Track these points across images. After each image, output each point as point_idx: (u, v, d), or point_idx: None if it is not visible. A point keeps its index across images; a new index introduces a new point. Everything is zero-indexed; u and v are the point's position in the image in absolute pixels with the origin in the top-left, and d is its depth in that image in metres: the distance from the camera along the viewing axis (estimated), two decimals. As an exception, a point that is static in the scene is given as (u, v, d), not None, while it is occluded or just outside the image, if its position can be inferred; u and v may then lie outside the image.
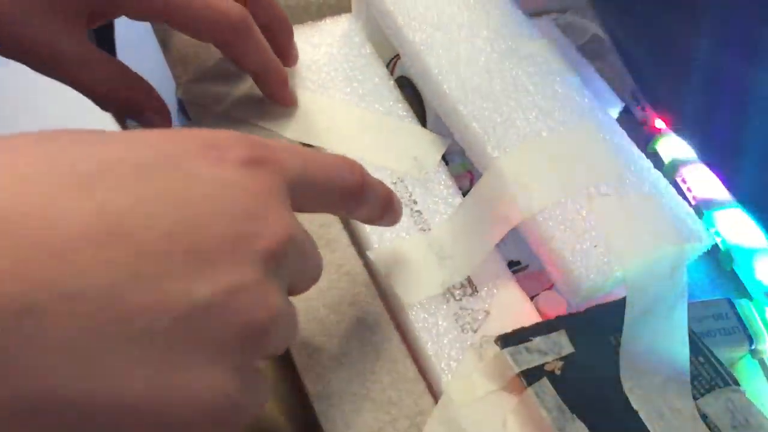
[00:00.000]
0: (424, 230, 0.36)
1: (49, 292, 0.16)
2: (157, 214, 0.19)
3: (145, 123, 0.36)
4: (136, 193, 0.19)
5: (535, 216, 0.33)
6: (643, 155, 0.36)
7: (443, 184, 0.37)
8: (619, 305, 0.32)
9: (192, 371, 0.19)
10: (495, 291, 0.34)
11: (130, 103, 0.35)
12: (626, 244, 0.32)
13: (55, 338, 0.16)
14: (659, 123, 0.51)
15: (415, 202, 0.37)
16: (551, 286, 0.39)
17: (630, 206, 0.33)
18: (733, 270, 0.46)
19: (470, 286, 0.34)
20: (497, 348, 0.32)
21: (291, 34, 0.40)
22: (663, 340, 0.32)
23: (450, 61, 0.37)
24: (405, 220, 0.36)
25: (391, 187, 0.37)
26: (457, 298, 0.34)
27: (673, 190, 0.34)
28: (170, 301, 0.18)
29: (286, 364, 0.33)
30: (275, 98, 0.39)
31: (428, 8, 0.39)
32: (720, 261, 0.47)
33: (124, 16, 0.34)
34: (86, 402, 0.17)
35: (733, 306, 0.42)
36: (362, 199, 0.27)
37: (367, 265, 0.35)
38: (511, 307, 0.34)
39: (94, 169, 0.18)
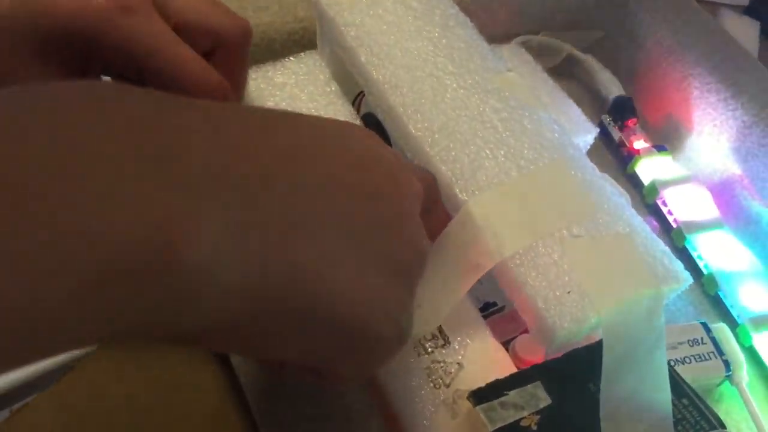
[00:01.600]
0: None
1: None
2: None
3: None
4: None
5: (506, 262, 0.32)
6: (616, 191, 0.35)
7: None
8: (597, 349, 0.31)
9: (381, 279, 0.24)
10: (468, 341, 0.33)
11: None
12: (601, 289, 0.31)
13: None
14: (638, 143, 0.50)
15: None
16: (527, 329, 0.37)
17: (604, 248, 0.32)
18: (717, 295, 0.45)
19: (441, 336, 0.33)
20: (470, 404, 0.31)
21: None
22: (643, 385, 0.31)
23: (415, 99, 0.36)
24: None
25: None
26: (429, 350, 0.33)
27: (647, 228, 0.33)
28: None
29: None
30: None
31: (391, 45, 0.38)
32: (704, 286, 0.45)
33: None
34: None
35: (708, 330, 0.41)
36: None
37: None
38: (485, 357, 0.33)
39: None
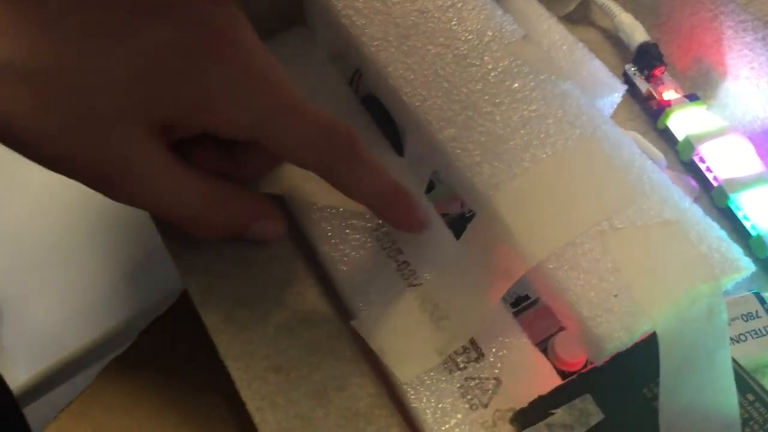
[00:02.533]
0: (414, 285, 0.31)
1: None
2: None
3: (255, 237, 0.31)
4: None
5: (541, 263, 0.28)
6: (657, 168, 0.30)
7: (430, 225, 0.32)
8: (648, 348, 0.28)
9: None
10: (504, 351, 0.29)
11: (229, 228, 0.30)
12: (652, 289, 0.27)
13: None
14: (668, 94, 0.45)
15: (401, 251, 0.32)
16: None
17: (651, 240, 0.28)
18: (767, 258, 0.41)
19: (474, 349, 0.30)
20: (513, 429, 0.27)
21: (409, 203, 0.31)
22: (707, 392, 0.27)
23: (420, 77, 0.32)
24: (391, 274, 0.31)
25: (372, 235, 0.32)
26: (461, 366, 0.29)
27: (698, 211, 0.29)
28: None
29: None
30: (404, 228, 0.32)
31: (388, 17, 0.33)
32: (751, 249, 0.41)
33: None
34: None
35: (763, 302, 0.37)
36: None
37: (356, 336, 0.30)
38: (525, 368, 0.29)
39: None
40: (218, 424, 0.34)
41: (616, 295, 0.27)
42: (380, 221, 0.32)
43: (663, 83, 0.46)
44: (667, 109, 0.45)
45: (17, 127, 0.24)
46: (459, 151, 0.30)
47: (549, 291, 0.28)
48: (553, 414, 0.28)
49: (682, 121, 0.44)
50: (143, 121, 0.26)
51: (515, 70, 0.32)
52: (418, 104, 0.31)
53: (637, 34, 0.47)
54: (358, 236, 0.32)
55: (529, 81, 0.32)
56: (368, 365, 0.30)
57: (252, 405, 0.28)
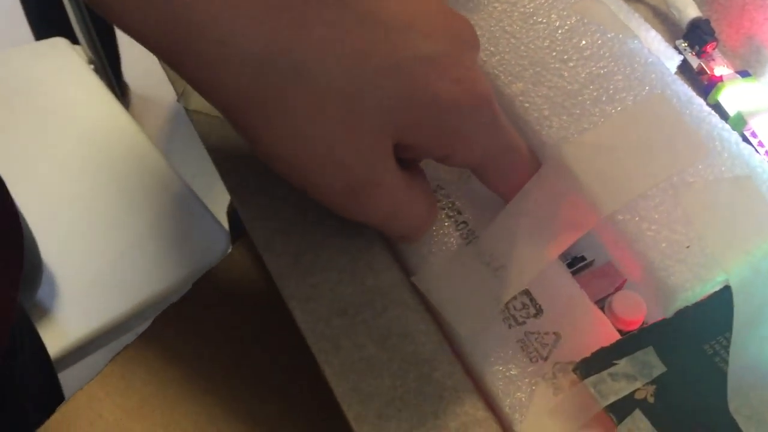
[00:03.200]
0: (472, 242, 0.31)
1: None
2: None
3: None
4: None
5: (612, 215, 0.28)
6: (727, 126, 0.30)
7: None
8: (710, 305, 0.27)
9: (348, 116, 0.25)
10: (563, 308, 0.29)
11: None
12: (725, 241, 0.27)
13: None
14: (719, 70, 0.45)
15: (460, 212, 0.32)
16: (623, 283, 0.34)
17: (723, 193, 0.28)
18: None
19: (533, 305, 0.29)
20: (575, 377, 0.27)
21: None
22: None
23: (488, 37, 0.32)
24: (451, 232, 0.31)
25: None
26: (520, 321, 0.29)
27: (769, 167, 0.29)
28: None
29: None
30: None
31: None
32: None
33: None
34: None
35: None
36: None
37: (418, 289, 0.30)
38: (584, 324, 0.29)
39: None
40: (268, 375, 0.34)
41: (688, 246, 0.27)
42: (439, 185, 0.32)
43: (714, 59, 0.46)
44: (719, 84, 0.44)
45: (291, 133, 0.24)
46: (528, 105, 0.30)
47: (618, 243, 0.28)
48: (616, 364, 0.27)
49: (734, 97, 0.44)
50: (395, 140, 0.26)
51: (582, 27, 0.32)
52: (485, 59, 0.31)
53: (689, 9, 0.46)
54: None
55: (597, 38, 0.32)
56: (431, 315, 0.30)
57: (316, 347, 0.28)
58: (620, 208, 0.28)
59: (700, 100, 0.31)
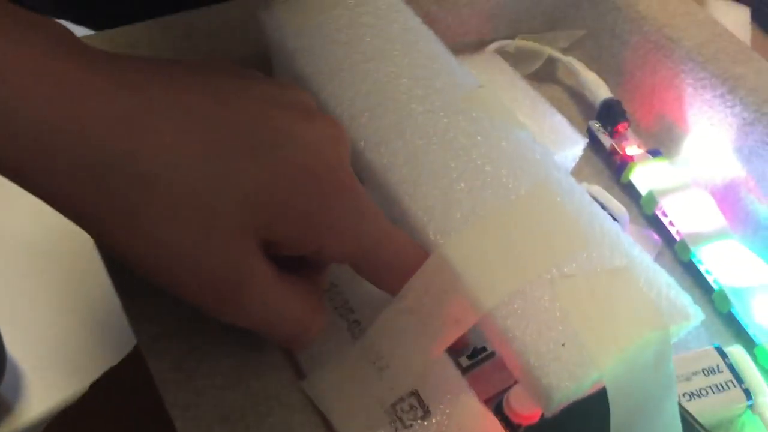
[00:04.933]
0: (360, 341, 0.30)
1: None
2: None
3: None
4: None
5: (493, 312, 0.27)
6: (609, 216, 0.30)
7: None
8: (596, 400, 0.27)
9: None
10: (450, 409, 0.29)
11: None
12: (600, 338, 0.27)
13: None
14: (630, 149, 0.46)
15: (352, 311, 0.32)
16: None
17: (600, 287, 0.28)
18: (730, 312, 0.41)
19: (420, 406, 0.29)
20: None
21: None
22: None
23: (376, 129, 0.32)
24: (342, 333, 0.31)
25: (324, 295, 0.32)
26: (407, 424, 0.29)
27: (647, 258, 0.29)
28: None
29: None
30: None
31: (346, 69, 0.34)
32: (714, 303, 0.41)
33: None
34: None
35: (724, 356, 0.37)
36: None
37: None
38: (472, 427, 0.29)
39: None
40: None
41: (563, 344, 0.27)
42: (333, 282, 0.32)
43: (626, 139, 0.47)
44: (630, 163, 0.45)
45: (132, 222, 0.23)
46: (410, 196, 0.30)
47: (499, 340, 0.28)
48: (503, 468, 0.27)
49: (645, 176, 0.45)
50: (260, 237, 0.25)
51: (472, 117, 0.32)
52: (374, 155, 0.32)
53: (600, 90, 0.48)
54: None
55: (485, 129, 0.32)
56: (319, 417, 0.29)
57: (197, 456, 0.27)
58: (498, 306, 0.28)
59: (582, 190, 0.31)
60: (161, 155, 0.23)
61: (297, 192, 0.25)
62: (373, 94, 0.33)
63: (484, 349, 0.34)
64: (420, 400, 0.29)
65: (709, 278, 0.41)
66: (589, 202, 0.31)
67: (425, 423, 0.28)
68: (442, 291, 0.29)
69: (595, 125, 0.47)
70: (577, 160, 0.43)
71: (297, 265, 0.28)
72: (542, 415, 0.31)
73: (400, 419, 0.29)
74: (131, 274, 0.29)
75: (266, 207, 0.25)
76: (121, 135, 0.23)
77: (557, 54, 0.50)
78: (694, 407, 0.34)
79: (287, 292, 0.27)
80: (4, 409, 0.73)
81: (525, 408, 0.31)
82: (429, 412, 0.29)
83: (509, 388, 0.32)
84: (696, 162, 0.46)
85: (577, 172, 0.45)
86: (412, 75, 0.34)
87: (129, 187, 0.23)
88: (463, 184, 0.31)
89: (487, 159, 0.31)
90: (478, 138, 0.32)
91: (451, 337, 0.28)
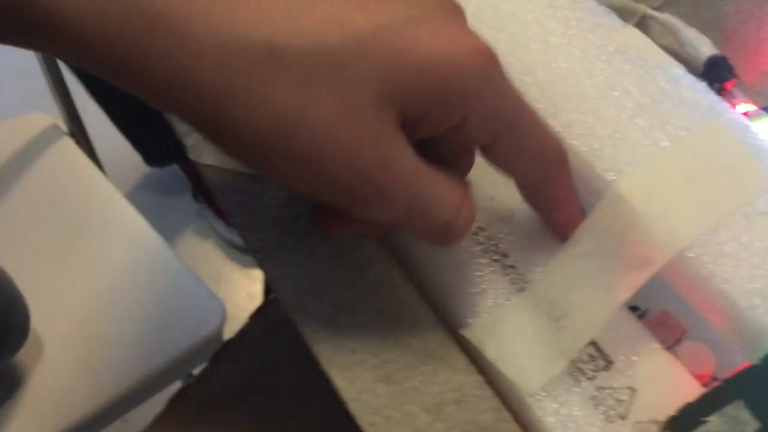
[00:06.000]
0: (523, 289, 0.28)
1: None
2: None
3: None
4: None
5: (683, 253, 0.25)
6: (787, 153, 0.28)
7: (533, 225, 0.29)
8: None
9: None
10: (634, 358, 0.26)
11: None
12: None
13: None
14: (742, 107, 0.43)
15: (505, 255, 0.29)
16: (683, 334, 0.31)
17: (801, 223, 0.25)
18: None
19: (601, 357, 0.26)
20: (664, 437, 0.24)
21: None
22: None
23: (525, 69, 0.30)
24: (498, 278, 0.28)
25: (472, 239, 0.29)
26: (589, 375, 0.26)
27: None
28: None
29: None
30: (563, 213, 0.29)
31: (483, 7, 0.31)
32: None
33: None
34: None
35: None
36: None
37: (465, 346, 0.27)
38: (660, 375, 0.26)
39: None
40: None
41: (773, 283, 0.24)
42: (480, 226, 0.30)
43: (735, 97, 0.44)
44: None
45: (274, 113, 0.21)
46: (577, 136, 0.28)
47: (691, 282, 0.25)
48: (706, 422, 0.24)
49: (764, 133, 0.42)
50: (399, 112, 0.23)
51: (625, 55, 0.30)
52: (524, 89, 0.29)
53: (704, 47, 0.45)
54: (457, 239, 0.29)
55: (641, 66, 0.30)
56: (482, 376, 0.27)
57: (363, 420, 0.25)
58: (690, 244, 0.25)
59: (753, 127, 0.29)
60: (281, 24, 0.21)
61: (430, 60, 0.22)
62: (519, 33, 0.31)
63: (636, 308, 0.31)
64: (599, 350, 0.26)
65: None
66: (763, 140, 0.28)
67: (608, 374, 0.26)
68: (624, 231, 0.26)
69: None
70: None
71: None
72: (710, 379, 0.28)
73: (580, 370, 0.26)
74: (262, 233, 0.27)
75: (400, 77, 0.22)
76: (237, 7, 0.20)
77: (652, 12, 0.47)
78: None
79: (433, 174, 0.24)
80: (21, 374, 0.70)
81: (696, 367, 0.28)
82: (611, 362, 0.26)
83: (669, 348, 0.30)
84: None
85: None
86: (552, 15, 0.32)
87: (257, 61, 0.21)
88: (628, 121, 0.28)
89: (649, 96, 0.29)
90: (636, 75, 0.30)
91: (638, 281, 0.26)
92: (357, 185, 0.23)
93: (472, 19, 0.26)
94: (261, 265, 0.28)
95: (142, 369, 0.70)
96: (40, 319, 0.72)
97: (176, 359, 0.71)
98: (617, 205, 0.26)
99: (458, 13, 0.24)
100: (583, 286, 0.26)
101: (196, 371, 0.31)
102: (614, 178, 0.27)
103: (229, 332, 0.74)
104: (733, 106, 0.44)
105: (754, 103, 0.44)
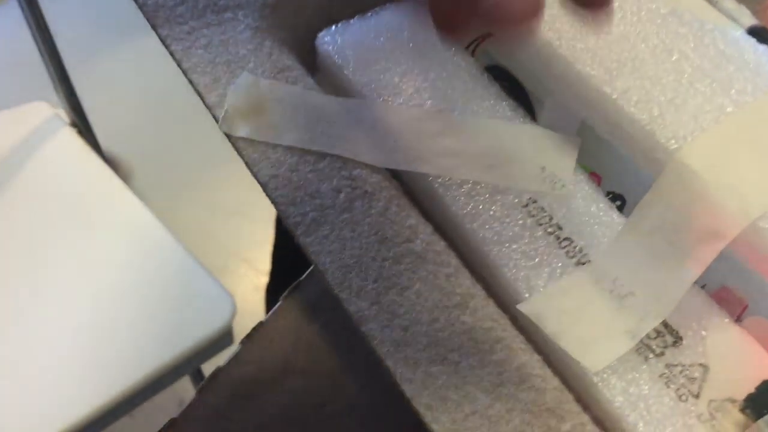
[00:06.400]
0: (583, 263, 0.26)
1: None
2: None
3: None
4: None
5: (755, 223, 0.23)
6: None
7: (588, 197, 0.28)
8: None
9: None
10: (704, 333, 0.25)
11: None
12: None
13: None
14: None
15: (560, 227, 0.27)
16: (744, 310, 0.29)
17: None
18: None
19: (669, 332, 0.25)
20: (740, 418, 0.23)
21: None
22: None
23: (575, 33, 0.28)
24: (553, 252, 0.27)
25: (523, 211, 0.28)
26: (657, 352, 0.24)
27: None
28: None
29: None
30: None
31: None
32: None
33: None
34: None
35: None
36: None
37: (521, 324, 0.25)
38: (734, 351, 0.25)
39: None
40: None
41: None
42: (532, 198, 0.28)
43: (773, 70, 0.43)
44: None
45: None
46: (634, 102, 0.26)
47: (764, 255, 0.24)
48: (786, 400, 0.23)
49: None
50: None
51: (676, 18, 0.29)
52: (574, 56, 0.28)
53: (744, 18, 0.44)
54: (508, 212, 0.28)
55: (698, 29, 0.28)
56: (541, 355, 0.25)
57: (419, 402, 0.23)
58: (763, 214, 0.24)
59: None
60: None
61: None
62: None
63: (691, 284, 0.30)
64: (667, 325, 0.25)
65: None
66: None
67: (677, 350, 0.24)
68: (691, 202, 0.24)
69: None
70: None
71: None
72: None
73: (648, 346, 0.24)
74: (301, 207, 0.25)
75: None
76: None
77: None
78: None
79: None
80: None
81: (764, 344, 0.27)
82: (680, 337, 0.25)
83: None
84: None
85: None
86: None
87: None
88: (688, 86, 0.27)
89: (708, 59, 0.27)
90: (692, 39, 0.28)
91: (709, 255, 0.24)
92: None
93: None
94: (300, 240, 0.27)
95: (150, 364, 0.68)
96: (44, 314, 0.70)
97: (185, 354, 0.69)
98: (682, 174, 0.25)
99: None
100: (649, 262, 0.25)
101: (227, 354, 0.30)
102: (677, 146, 0.25)
103: (237, 326, 0.73)
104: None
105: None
